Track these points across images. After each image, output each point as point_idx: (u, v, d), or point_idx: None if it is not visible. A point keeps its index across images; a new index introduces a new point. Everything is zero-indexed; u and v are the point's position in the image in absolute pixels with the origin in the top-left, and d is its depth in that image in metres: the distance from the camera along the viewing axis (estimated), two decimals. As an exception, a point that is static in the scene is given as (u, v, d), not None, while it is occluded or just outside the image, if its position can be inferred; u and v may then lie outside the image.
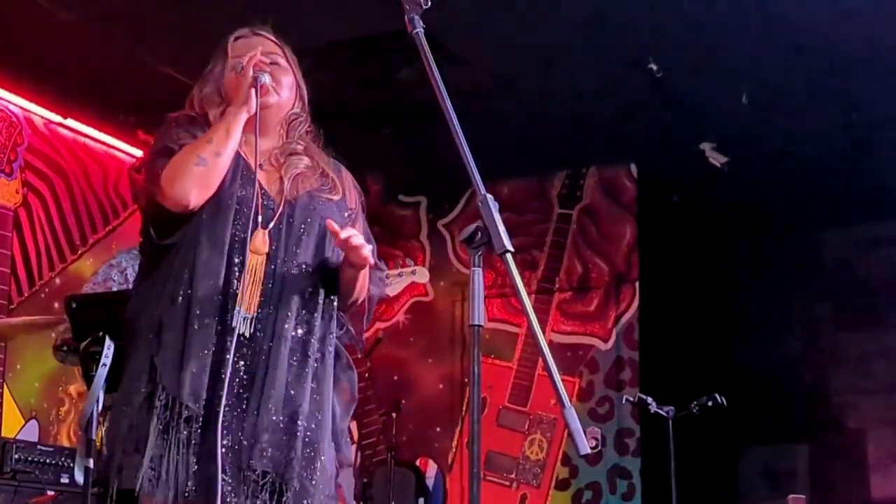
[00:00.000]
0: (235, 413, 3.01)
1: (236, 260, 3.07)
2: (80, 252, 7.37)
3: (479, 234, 2.61)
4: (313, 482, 3.03)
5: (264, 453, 2.99)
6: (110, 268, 4.75)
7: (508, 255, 2.56)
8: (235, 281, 3.06)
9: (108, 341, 3.14)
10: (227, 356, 3.00)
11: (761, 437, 9.31)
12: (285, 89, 3.30)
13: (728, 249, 9.70)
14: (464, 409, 8.35)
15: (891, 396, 8.99)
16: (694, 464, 7.29)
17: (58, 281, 7.18)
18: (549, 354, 2.51)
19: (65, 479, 5.68)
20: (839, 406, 9.21)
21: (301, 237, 3.17)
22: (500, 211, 2.64)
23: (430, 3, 2.89)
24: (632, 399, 6.76)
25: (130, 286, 4.56)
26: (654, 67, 6.69)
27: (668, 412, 6.43)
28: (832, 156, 7.97)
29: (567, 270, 8.52)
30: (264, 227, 3.12)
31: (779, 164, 8.16)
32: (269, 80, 3.22)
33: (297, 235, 3.16)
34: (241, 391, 3.03)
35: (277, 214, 3.15)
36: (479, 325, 2.59)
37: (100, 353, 3.14)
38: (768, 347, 9.45)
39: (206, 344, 3.01)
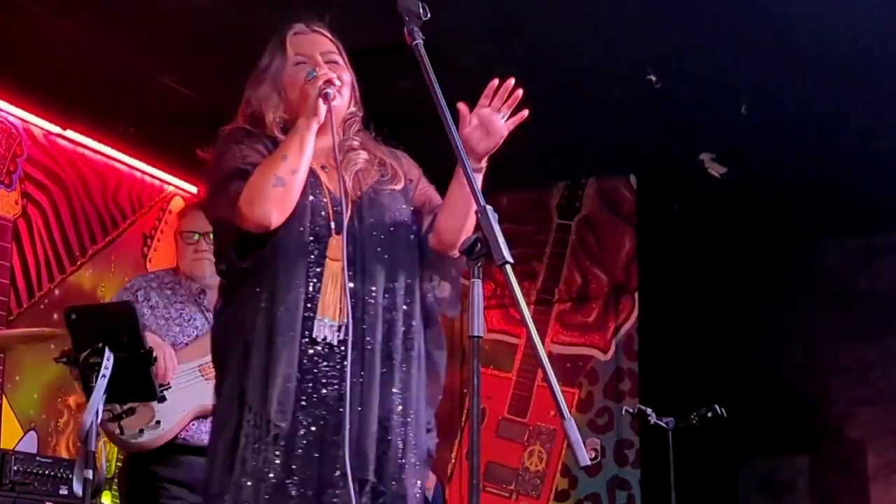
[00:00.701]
0: (332, 423, 2.99)
1: (317, 270, 3.06)
2: (79, 263, 7.37)
3: (479, 245, 2.62)
4: (407, 481, 3.09)
5: (363, 461, 3.00)
6: (124, 290, 4.78)
7: (508, 266, 2.56)
8: (316, 292, 3.04)
9: (107, 353, 3.15)
10: (315, 368, 3.01)
11: (761, 448, 9.30)
12: (345, 88, 3.26)
13: (727, 260, 9.69)
14: (463, 419, 8.34)
15: (891, 407, 8.98)
16: (693, 475, 7.29)
17: (57, 292, 7.17)
18: (549, 365, 2.51)
19: (63, 491, 5.65)
20: (839, 417, 9.20)
21: (373, 235, 3.14)
22: (500, 221, 2.64)
23: (429, 15, 2.90)
24: (631, 410, 6.76)
25: (140, 306, 4.58)
26: (653, 78, 6.70)
27: (667, 423, 6.43)
28: (832, 166, 7.97)
29: (566, 281, 8.51)
30: (338, 233, 3.09)
31: (778, 174, 8.16)
32: (333, 90, 3.16)
33: (369, 234, 3.13)
34: (333, 402, 3.00)
35: (347, 217, 3.12)
36: (479, 337, 2.59)
37: (99, 365, 3.14)
38: (768, 358, 9.44)
39: (291, 358, 2.99)
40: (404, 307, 3.14)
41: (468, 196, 2.98)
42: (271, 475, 2.95)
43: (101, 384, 3.11)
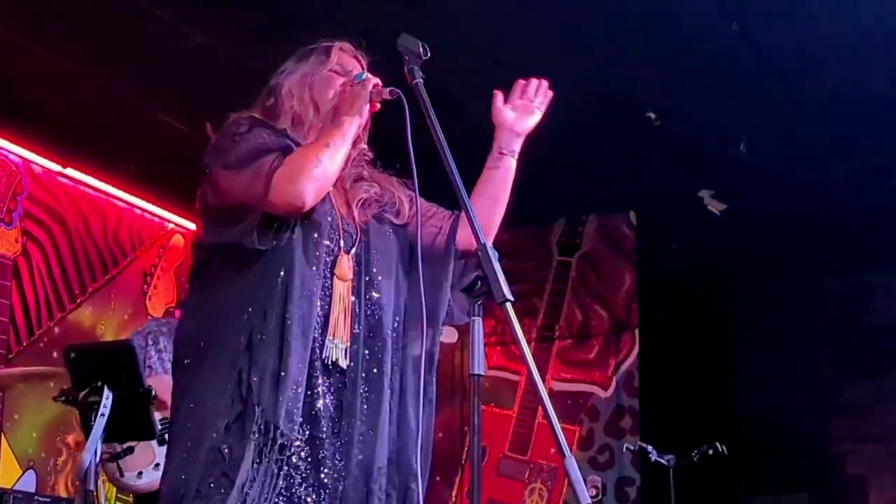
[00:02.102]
0: (335, 446, 2.94)
1: (326, 283, 3.00)
2: (79, 301, 7.37)
3: (479, 283, 2.61)
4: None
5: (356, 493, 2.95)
6: (137, 334, 4.80)
7: (508, 305, 2.56)
8: (326, 306, 2.98)
9: (106, 391, 3.14)
10: (321, 386, 2.94)
11: (763, 485, 9.26)
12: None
13: (727, 297, 9.69)
14: (464, 457, 8.32)
15: (892, 443, 8.96)
16: (695, 513, 7.26)
17: (56, 330, 7.17)
18: (549, 403, 2.50)
19: (62, 530, 5.65)
20: (840, 454, 9.17)
21: (379, 262, 3.11)
22: (500, 258, 2.65)
23: (429, 54, 2.91)
24: (632, 447, 6.74)
25: (149, 350, 4.58)
26: (653, 116, 6.72)
27: (668, 461, 6.41)
28: (832, 203, 7.98)
29: (567, 318, 8.51)
30: (346, 252, 3.06)
31: (778, 211, 8.17)
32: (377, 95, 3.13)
33: (375, 263, 3.10)
34: (333, 425, 2.95)
35: (356, 240, 3.10)
36: (480, 375, 2.59)
37: (98, 404, 3.13)
38: (769, 395, 9.42)
39: (301, 369, 2.91)
40: (404, 338, 3.12)
41: (502, 180, 3.21)
42: (271, 483, 2.88)
43: (99, 423, 3.10)
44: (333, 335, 2.97)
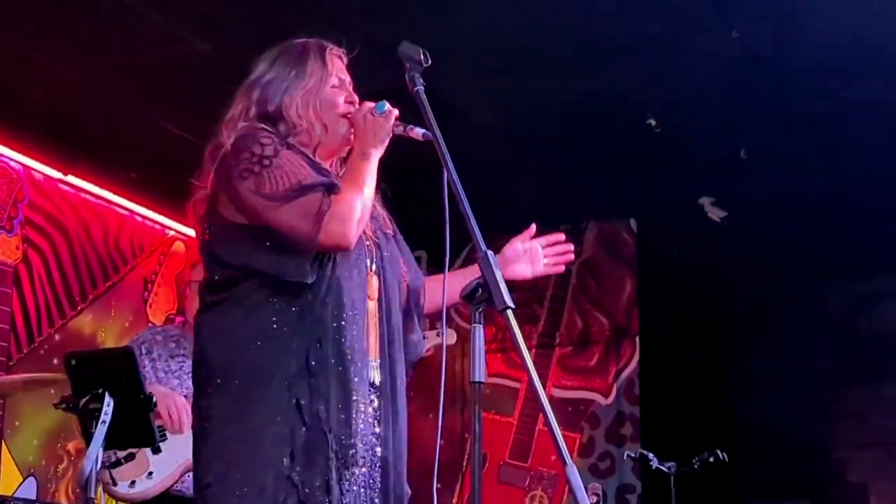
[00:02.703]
0: (378, 451, 3.06)
1: (364, 306, 3.07)
2: (79, 308, 7.37)
3: (480, 290, 2.61)
4: None
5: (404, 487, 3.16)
6: (132, 342, 4.81)
7: (509, 312, 2.56)
8: (365, 327, 3.06)
9: (107, 398, 3.13)
10: (370, 406, 3.04)
11: (763, 492, 9.26)
12: None
13: (728, 304, 9.69)
14: (464, 464, 8.31)
15: (892, 449, 8.95)
16: (696, 520, 7.25)
17: (57, 337, 7.17)
18: (550, 410, 2.50)
19: (62, 537, 5.65)
20: (840, 460, 9.17)
21: (394, 278, 3.20)
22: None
23: (430, 61, 2.91)
24: (633, 455, 6.73)
25: (142, 359, 4.57)
26: (653, 122, 6.72)
27: (669, 468, 6.40)
28: (831, 210, 7.98)
29: (567, 325, 8.51)
30: (373, 272, 3.14)
31: (778, 218, 8.17)
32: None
33: (390, 276, 3.18)
34: (376, 433, 3.07)
35: (375, 256, 3.16)
36: (480, 382, 2.59)
37: (99, 411, 3.12)
38: (769, 402, 9.42)
39: (365, 393, 3.01)
40: (404, 352, 3.22)
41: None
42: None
43: (100, 430, 3.10)
44: (375, 356, 3.08)
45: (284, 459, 2.90)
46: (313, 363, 2.94)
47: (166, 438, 4.36)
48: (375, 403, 3.06)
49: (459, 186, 2.79)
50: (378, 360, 3.08)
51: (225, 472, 2.92)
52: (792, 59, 6.10)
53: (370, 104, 3.14)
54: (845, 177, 7.46)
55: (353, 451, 2.96)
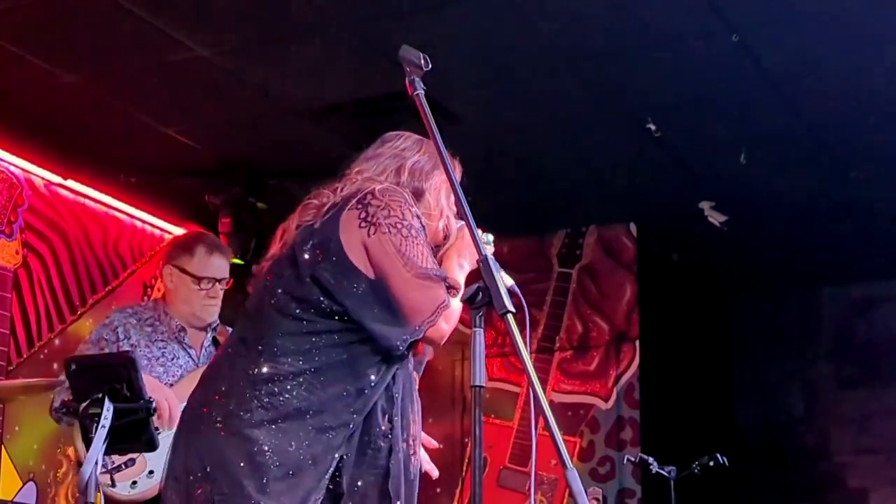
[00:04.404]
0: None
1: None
2: (79, 313, 7.36)
3: (481, 294, 2.61)
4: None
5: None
6: (103, 327, 4.63)
7: (510, 316, 2.56)
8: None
9: (107, 403, 3.13)
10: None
11: (763, 497, 9.26)
12: None
13: (728, 308, 9.69)
14: (464, 469, 8.31)
15: (892, 455, 8.95)
16: (696, 524, 7.25)
17: (57, 342, 7.16)
18: (551, 414, 2.50)
19: (62, 542, 5.64)
20: (841, 465, 9.17)
21: None
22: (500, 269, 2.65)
23: (430, 66, 2.91)
24: (633, 459, 6.73)
25: (121, 344, 4.50)
26: (653, 127, 6.72)
27: (669, 472, 6.40)
28: (832, 215, 7.99)
29: (567, 329, 8.51)
30: None
31: (778, 223, 8.17)
32: None
33: None
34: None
35: None
36: (481, 386, 2.59)
37: (99, 415, 3.12)
38: (769, 407, 9.42)
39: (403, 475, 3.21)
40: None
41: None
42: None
43: (100, 435, 3.09)
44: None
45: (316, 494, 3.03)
46: (366, 435, 3.12)
47: (160, 432, 4.25)
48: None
49: (459, 190, 2.79)
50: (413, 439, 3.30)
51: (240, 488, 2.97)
52: (792, 64, 6.10)
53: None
54: (845, 182, 7.45)
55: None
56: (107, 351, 4.45)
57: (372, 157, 3.30)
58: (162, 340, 4.56)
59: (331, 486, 3.05)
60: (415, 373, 3.35)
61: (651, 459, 6.46)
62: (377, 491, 3.11)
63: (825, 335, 9.42)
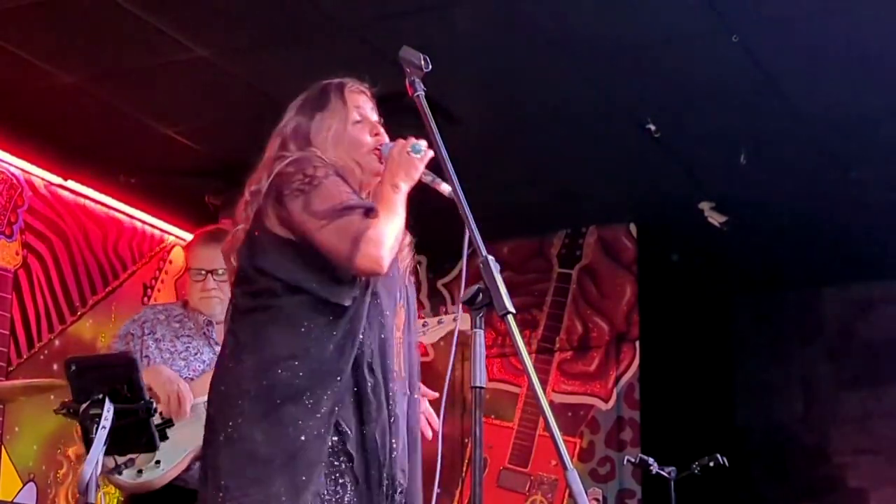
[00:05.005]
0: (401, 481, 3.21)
1: (394, 337, 3.17)
2: (79, 313, 7.36)
3: (481, 295, 2.61)
4: None
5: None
6: (132, 322, 4.67)
7: (510, 317, 2.56)
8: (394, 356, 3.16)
9: (107, 404, 3.13)
10: (396, 439, 3.15)
11: (763, 498, 9.26)
12: None
13: (728, 309, 9.69)
14: (464, 469, 8.31)
15: (892, 455, 8.95)
16: (696, 524, 7.25)
17: (57, 343, 7.16)
18: (551, 414, 2.50)
19: (62, 543, 5.64)
20: (841, 466, 9.17)
21: (414, 315, 3.29)
22: (500, 270, 2.65)
23: (430, 67, 2.91)
24: (633, 459, 6.72)
25: (145, 339, 4.52)
26: (653, 127, 6.72)
27: (669, 473, 6.39)
28: (832, 215, 7.99)
29: (567, 330, 8.51)
30: (401, 305, 3.23)
31: (778, 223, 8.17)
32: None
33: (412, 312, 3.28)
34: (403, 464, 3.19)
35: (402, 290, 3.25)
36: (481, 387, 2.59)
37: (100, 416, 3.12)
38: (769, 407, 9.42)
39: (398, 417, 3.14)
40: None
41: None
42: None
43: (101, 435, 3.09)
44: (405, 387, 3.19)
45: (320, 478, 2.98)
46: (356, 388, 3.04)
47: (172, 425, 4.23)
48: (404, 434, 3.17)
49: (460, 190, 2.79)
50: (407, 391, 3.18)
51: (248, 487, 2.96)
52: (792, 65, 6.10)
53: (406, 141, 3.16)
54: (845, 182, 7.45)
55: (392, 477, 3.12)
56: (132, 346, 4.48)
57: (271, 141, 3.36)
58: (188, 336, 4.58)
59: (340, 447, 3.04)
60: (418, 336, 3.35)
61: (651, 460, 6.45)
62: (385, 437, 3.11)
63: (825, 335, 9.42)
